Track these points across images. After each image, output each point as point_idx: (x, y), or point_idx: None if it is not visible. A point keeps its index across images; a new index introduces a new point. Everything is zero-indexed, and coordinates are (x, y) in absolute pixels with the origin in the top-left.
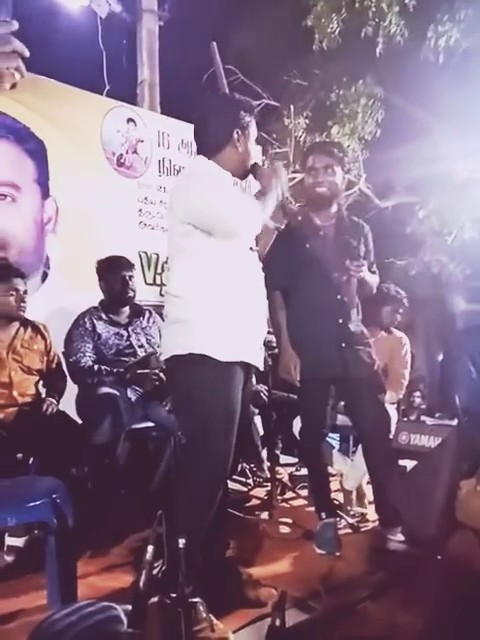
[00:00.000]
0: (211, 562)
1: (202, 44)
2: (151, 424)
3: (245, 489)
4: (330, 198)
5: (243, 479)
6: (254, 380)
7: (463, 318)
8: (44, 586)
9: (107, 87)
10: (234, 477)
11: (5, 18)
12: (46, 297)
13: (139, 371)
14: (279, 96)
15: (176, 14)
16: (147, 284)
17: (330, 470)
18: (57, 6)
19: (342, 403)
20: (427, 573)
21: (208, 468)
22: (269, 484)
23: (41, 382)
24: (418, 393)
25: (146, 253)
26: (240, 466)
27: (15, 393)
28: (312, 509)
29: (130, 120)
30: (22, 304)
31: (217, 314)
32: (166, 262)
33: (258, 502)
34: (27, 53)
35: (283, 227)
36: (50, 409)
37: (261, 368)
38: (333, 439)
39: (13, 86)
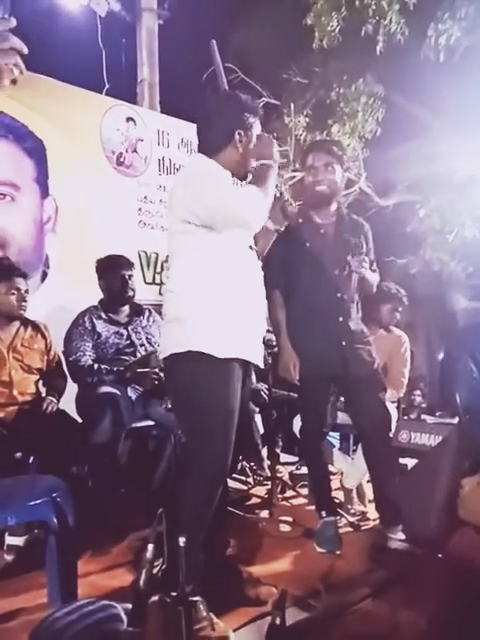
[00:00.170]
0: (211, 561)
1: (202, 43)
2: (151, 423)
3: (245, 488)
4: (330, 196)
5: (243, 478)
6: (254, 378)
7: (464, 316)
8: (44, 585)
9: (107, 86)
10: (234, 476)
11: (3, 15)
12: (45, 296)
13: (139, 370)
14: (279, 94)
15: (176, 13)
16: (146, 283)
17: (330, 468)
18: (57, 5)
19: (342, 399)
20: (428, 572)
21: (207, 466)
22: (269, 483)
23: (41, 381)
24: (418, 391)
25: (146, 252)
26: (240, 465)
27: (15, 392)
28: (312, 508)
29: (130, 119)
30: (23, 303)
31: (215, 311)
32: (166, 261)
33: (258, 501)
34: (25, 50)
35: (283, 229)
36: (50, 408)
37: (261, 366)
38: (333, 438)
39: (13, 82)
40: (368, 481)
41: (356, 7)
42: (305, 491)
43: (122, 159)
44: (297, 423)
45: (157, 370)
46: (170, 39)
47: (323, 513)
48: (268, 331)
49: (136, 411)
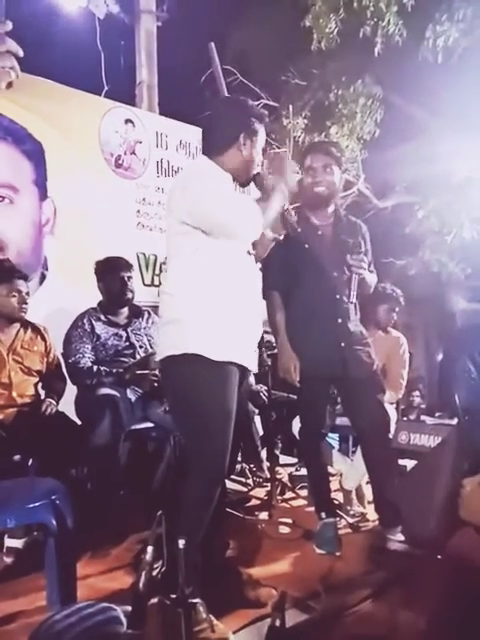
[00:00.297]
0: (211, 563)
1: (200, 45)
2: (151, 425)
3: (245, 489)
4: (328, 198)
5: (243, 479)
6: (254, 380)
7: (463, 317)
8: (43, 587)
9: (105, 88)
10: (234, 477)
11: None
12: (44, 298)
13: (138, 372)
14: (278, 96)
15: (174, 15)
16: (145, 285)
17: (330, 470)
18: (55, 7)
19: (338, 407)
20: (427, 573)
21: (205, 468)
22: (269, 484)
23: (40, 383)
24: (417, 393)
25: (144, 254)
26: (240, 466)
27: (14, 394)
28: (312, 509)
29: (128, 121)
30: (24, 306)
31: (211, 314)
32: (164, 263)
33: (258, 502)
34: (21, 53)
35: (282, 238)
36: (49, 410)
37: (254, 371)
38: (333, 439)
39: (9, 85)
40: (367, 482)
41: (354, 9)
42: (304, 493)
43: (121, 161)
44: (296, 424)
45: (156, 372)
46: (169, 41)
47: (322, 514)
48: (267, 332)
49: (135, 413)
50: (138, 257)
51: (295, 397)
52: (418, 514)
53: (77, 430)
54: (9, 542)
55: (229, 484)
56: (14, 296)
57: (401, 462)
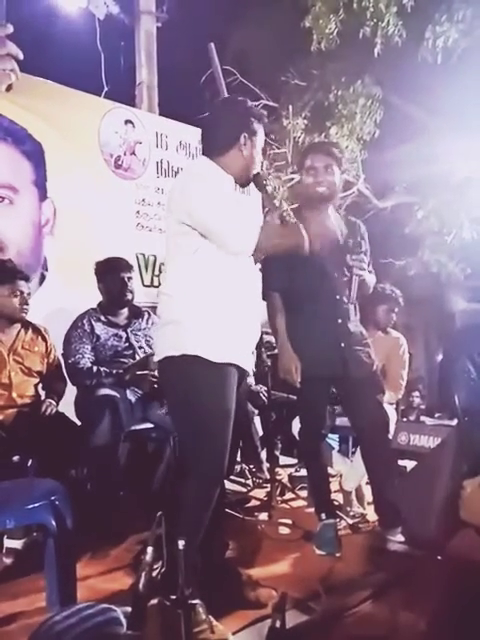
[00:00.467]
0: (211, 563)
1: (200, 45)
2: (150, 425)
3: (244, 490)
4: (328, 198)
5: (242, 480)
6: (254, 381)
7: (462, 318)
8: (43, 588)
9: (105, 89)
10: (233, 478)
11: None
12: (44, 299)
13: (138, 372)
14: (277, 97)
15: (174, 15)
16: (145, 286)
17: (329, 471)
18: (55, 8)
19: (337, 408)
20: (427, 574)
21: (204, 467)
22: (268, 485)
23: (40, 384)
24: (417, 393)
25: (144, 255)
26: (239, 467)
27: (14, 394)
28: (312, 510)
29: (128, 122)
30: (25, 306)
31: (210, 315)
32: (164, 264)
33: (257, 503)
34: (21, 56)
35: None
36: (49, 411)
37: (250, 372)
38: (332, 440)
39: (9, 88)
40: (367, 483)
41: (354, 10)
42: (304, 493)
43: (120, 162)
44: (296, 425)
45: (156, 372)
46: (169, 42)
47: (322, 515)
48: (267, 333)
49: (135, 413)
50: (137, 258)
51: (295, 398)
52: (418, 515)
53: (77, 431)
54: (9, 543)
55: (229, 485)
56: (15, 296)
57: (401, 463)
